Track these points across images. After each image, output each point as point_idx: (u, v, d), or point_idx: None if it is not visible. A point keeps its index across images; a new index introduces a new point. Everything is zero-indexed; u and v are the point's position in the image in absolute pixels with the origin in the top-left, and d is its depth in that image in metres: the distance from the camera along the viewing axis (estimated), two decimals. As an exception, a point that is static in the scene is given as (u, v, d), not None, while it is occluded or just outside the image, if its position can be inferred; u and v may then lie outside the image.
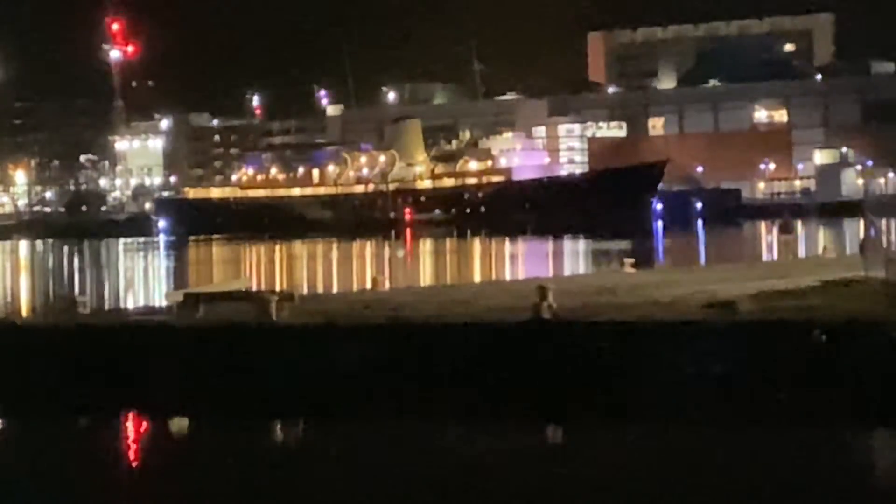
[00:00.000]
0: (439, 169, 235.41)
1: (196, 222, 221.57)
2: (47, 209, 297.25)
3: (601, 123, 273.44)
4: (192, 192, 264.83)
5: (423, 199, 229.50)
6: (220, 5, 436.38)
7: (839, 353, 39.13)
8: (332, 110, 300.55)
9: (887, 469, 35.01)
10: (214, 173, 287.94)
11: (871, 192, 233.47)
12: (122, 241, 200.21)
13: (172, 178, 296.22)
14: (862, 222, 63.64)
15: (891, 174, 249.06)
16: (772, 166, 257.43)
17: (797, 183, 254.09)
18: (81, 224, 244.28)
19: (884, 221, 55.23)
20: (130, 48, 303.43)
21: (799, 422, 38.08)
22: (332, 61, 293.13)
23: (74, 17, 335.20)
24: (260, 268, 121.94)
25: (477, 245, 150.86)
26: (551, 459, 37.80)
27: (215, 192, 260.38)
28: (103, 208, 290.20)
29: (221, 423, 42.19)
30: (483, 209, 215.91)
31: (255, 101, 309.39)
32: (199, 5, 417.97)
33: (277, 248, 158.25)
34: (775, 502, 30.41)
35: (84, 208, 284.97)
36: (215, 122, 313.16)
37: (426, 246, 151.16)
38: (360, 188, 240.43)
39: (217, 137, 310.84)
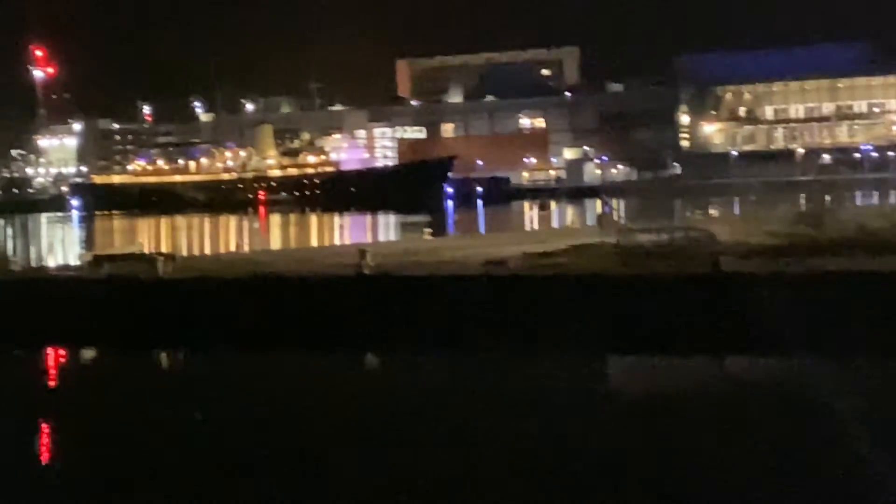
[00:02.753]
0: (286, 162, 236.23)
1: (101, 202, 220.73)
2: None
3: (407, 128, 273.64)
4: (98, 179, 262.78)
5: (273, 184, 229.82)
6: (119, 37, 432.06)
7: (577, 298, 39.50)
8: (204, 117, 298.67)
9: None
10: (115, 164, 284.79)
11: (606, 180, 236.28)
12: (44, 215, 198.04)
13: (83, 168, 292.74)
14: (599, 202, 64.51)
15: (620, 166, 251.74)
16: (533, 160, 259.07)
17: (552, 173, 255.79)
18: (14, 202, 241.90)
19: (615, 201, 55.60)
20: (51, 69, 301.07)
21: (544, 351, 38.33)
22: (205, 80, 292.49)
23: (5, 44, 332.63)
24: (150, 236, 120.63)
25: (314, 219, 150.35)
26: (370, 380, 37.88)
27: (116, 179, 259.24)
28: (30, 191, 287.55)
29: (121, 353, 41.91)
30: (318, 192, 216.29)
31: (146, 109, 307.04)
32: (104, 35, 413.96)
33: (163, 221, 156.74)
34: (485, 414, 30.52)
35: (15, 191, 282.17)
36: (116, 125, 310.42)
37: (276, 219, 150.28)
38: (226, 176, 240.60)
39: (117, 137, 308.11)
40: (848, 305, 36.67)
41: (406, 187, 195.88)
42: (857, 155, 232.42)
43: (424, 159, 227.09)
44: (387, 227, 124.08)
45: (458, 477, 24.90)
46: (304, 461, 26.51)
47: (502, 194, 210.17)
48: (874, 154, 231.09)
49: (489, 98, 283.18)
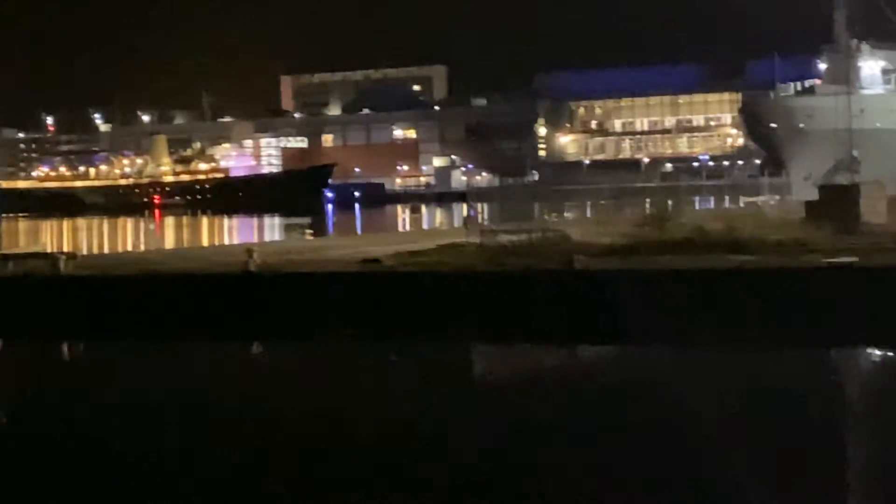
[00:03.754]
0: (179, 169, 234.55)
1: (7, 206, 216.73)
2: None
3: (290, 138, 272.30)
4: (4, 184, 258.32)
5: (167, 189, 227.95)
6: (26, 54, 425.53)
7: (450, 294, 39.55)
8: (103, 127, 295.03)
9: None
10: (21, 171, 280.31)
11: (471, 185, 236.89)
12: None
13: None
14: (465, 206, 64.66)
15: (484, 173, 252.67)
16: (405, 168, 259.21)
17: (422, 179, 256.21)
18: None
19: (479, 205, 55.79)
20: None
21: (415, 341, 38.35)
22: (104, 93, 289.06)
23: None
24: (53, 237, 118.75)
25: (205, 221, 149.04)
26: (257, 370, 37.60)
27: (21, 184, 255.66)
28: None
29: (26, 343, 41.26)
30: (209, 196, 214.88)
31: (49, 120, 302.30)
32: (14, 51, 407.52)
33: (65, 223, 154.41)
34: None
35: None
36: (21, 135, 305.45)
37: (169, 221, 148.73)
38: (123, 181, 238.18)
39: (22, 146, 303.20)
40: (689, 299, 37.09)
41: (289, 192, 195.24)
42: (696, 164, 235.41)
43: (306, 167, 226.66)
44: (272, 229, 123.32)
45: (322, 463, 24.73)
46: (191, 447, 26.18)
47: (377, 199, 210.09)
48: (710, 163, 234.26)
49: (365, 111, 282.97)
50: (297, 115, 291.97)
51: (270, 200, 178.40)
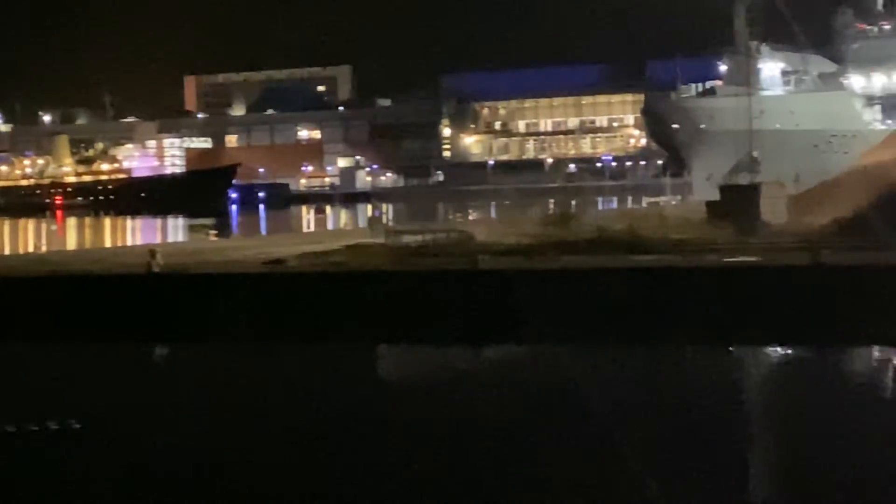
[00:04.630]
0: (81, 169, 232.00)
1: None
2: None
3: (194, 139, 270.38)
4: None
5: (69, 190, 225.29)
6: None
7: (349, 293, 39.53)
8: (4, 127, 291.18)
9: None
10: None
11: (376, 186, 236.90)
12: None
13: None
14: (370, 206, 64.69)
15: (389, 174, 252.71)
16: (310, 168, 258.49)
17: (327, 180, 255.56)
18: None
19: (384, 206, 55.77)
20: None
21: (321, 340, 38.28)
22: (4, 92, 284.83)
23: None
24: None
25: (108, 222, 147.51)
26: (158, 371, 37.33)
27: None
28: None
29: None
30: (112, 197, 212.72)
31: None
32: None
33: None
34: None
35: None
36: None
37: (72, 223, 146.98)
38: (24, 182, 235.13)
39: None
40: (593, 299, 37.34)
41: (193, 193, 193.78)
42: (599, 164, 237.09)
43: (210, 167, 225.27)
44: (175, 230, 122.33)
45: (219, 457, 24.62)
46: (81, 446, 25.96)
47: (282, 199, 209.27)
48: (613, 164, 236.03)
49: (270, 112, 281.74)
50: (200, 116, 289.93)
51: (174, 201, 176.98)
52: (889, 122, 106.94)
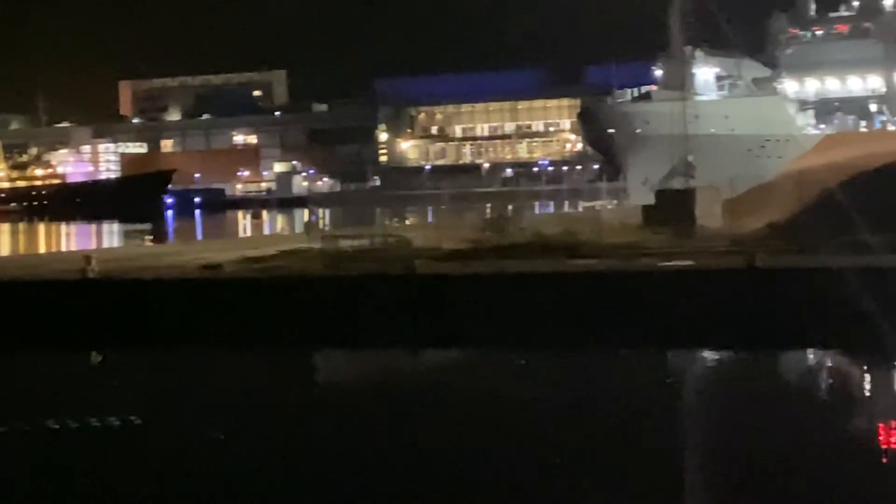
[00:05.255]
0: (15, 174, 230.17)
1: None
2: None
3: (129, 144, 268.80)
4: None
5: (3, 195, 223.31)
6: None
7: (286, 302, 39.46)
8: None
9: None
10: None
11: (313, 191, 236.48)
12: None
13: None
14: (306, 211, 64.55)
15: (325, 179, 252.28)
16: (246, 173, 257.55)
17: (263, 185, 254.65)
18: None
19: (321, 210, 55.67)
20: None
21: (257, 346, 38.20)
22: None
23: None
24: None
25: (42, 228, 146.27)
26: (96, 377, 37.07)
27: None
28: None
29: None
30: (46, 203, 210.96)
31: None
32: None
33: None
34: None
35: None
36: None
37: (5, 228, 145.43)
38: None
39: None
40: (529, 303, 37.48)
41: (128, 198, 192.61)
42: (536, 169, 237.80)
43: (145, 172, 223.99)
44: (110, 236, 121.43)
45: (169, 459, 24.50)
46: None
47: (218, 204, 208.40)
48: (550, 168, 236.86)
49: (205, 116, 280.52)
50: (135, 121, 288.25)
51: (109, 207, 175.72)
52: (822, 126, 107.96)
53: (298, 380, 34.98)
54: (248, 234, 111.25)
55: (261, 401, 31.21)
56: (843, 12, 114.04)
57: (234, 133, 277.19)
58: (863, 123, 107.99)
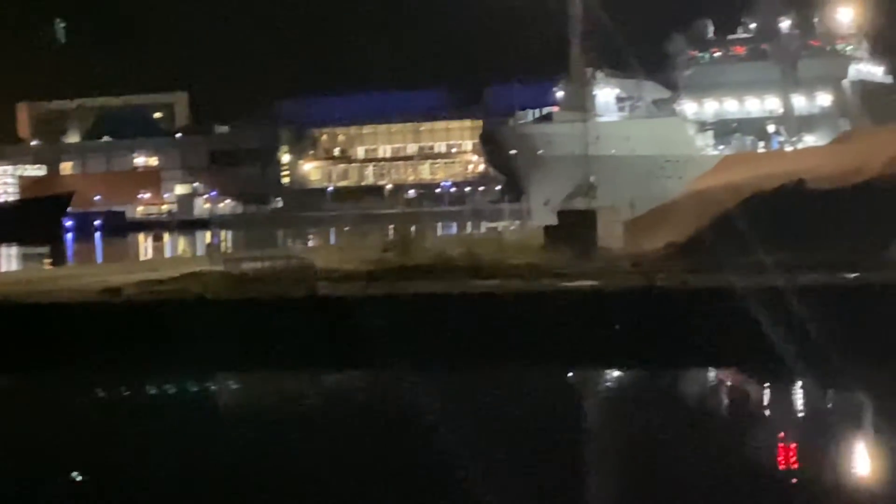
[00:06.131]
0: None
1: None
2: None
3: (27, 166, 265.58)
4: None
5: None
6: None
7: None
8: None
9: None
10: None
11: (215, 213, 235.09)
12: None
13: None
14: (208, 233, 64.13)
15: (228, 200, 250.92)
16: (147, 195, 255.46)
17: (165, 207, 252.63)
18: None
19: (223, 232, 55.33)
20: None
21: (158, 368, 37.88)
22: None
23: None
24: None
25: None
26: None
27: None
28: None
29: None
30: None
31: None
32: None
33: None
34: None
35: None
36: None
37: None
38: None
39: None
40: (432, 323, 37.50)
41: (26, 221, 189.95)
42: (438, 190, 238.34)
43: (44, 195, 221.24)
44: (8, 259, 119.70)
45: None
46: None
47: (119, 227, 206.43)
48: (453, 189, 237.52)
49: (105, 139, 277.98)
50: (34, 143, 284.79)
51: (6, 230, 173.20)
52: (721, 147, 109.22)
53: (199, 402, 34.69)
54: (149, 256, 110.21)
55: (160, 424, 30.90)
56: (741, 34, 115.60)
57: (134, 155, 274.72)
58: (761, 144, 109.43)
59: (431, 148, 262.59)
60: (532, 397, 33.45)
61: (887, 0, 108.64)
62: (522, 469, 24.45)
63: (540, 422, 29.59)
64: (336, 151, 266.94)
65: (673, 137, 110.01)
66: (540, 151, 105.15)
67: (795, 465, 24.90)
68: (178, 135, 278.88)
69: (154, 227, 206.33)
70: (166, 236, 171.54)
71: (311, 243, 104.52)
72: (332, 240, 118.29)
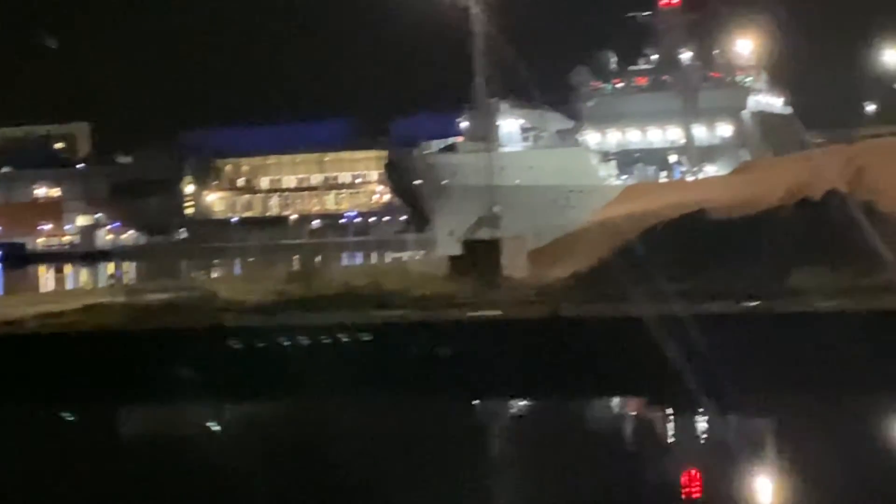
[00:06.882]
0: None
1: None
2: None
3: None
4: None
5: None
6: None
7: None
8: None
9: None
10: None
11: (118, 244, 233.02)
12: None
13: None
14: (111, 265, 63.60)
15: (131, 231, 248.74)
16: (48, 227, 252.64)
17: (66, 238, 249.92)
18: None
19: (126, 264, 55.01)
20: None
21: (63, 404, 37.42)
22: None
23: None
24: None
25: None
26: None
27: None
28: None
29: None
30: None
31: None
32: None
33: None
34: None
35: None
36: None
37: None
38: None
39: None
40: (336, 354, 37.42)
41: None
42: (343, 220, 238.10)
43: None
44: None
45: None
46: None
47: (18, 259, 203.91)
48: (358, 219, 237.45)
49: (5, 169, 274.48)
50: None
51: None
52: (624, 176, 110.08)
53: (101, 436, 34.29)
54: (51, 288, 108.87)
55: (61, 456, 30.51)
56: (643, 65, 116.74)
57: (35, 186, 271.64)
58: (663, 174, 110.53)
59: (336, 178, 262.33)
60: (435, 427, 33.42)
61: (785, 33, 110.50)
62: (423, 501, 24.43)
63: (443, 452, 29.56)
64: (240, 182, 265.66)
65: (576, 167, 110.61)
66: (445, 181, 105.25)
67: (698, 493, 25.07)
68: (81, 165, 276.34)
69: (56, 258, 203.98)
70: (68, 268, 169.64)
71: (215, 274, 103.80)
72: (237, 271, 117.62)
